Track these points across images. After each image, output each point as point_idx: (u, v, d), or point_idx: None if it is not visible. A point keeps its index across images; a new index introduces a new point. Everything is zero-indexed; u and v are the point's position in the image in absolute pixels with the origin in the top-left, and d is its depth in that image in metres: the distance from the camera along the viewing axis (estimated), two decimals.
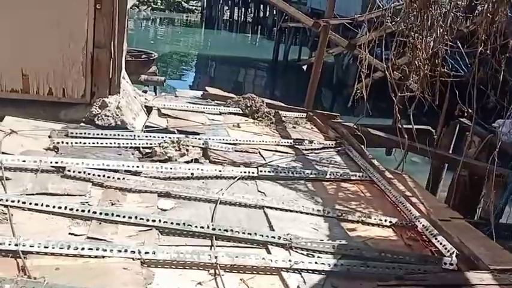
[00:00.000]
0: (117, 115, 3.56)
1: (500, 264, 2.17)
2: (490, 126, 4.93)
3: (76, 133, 3.29)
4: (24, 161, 2.71)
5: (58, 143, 3.10)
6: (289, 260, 2.06)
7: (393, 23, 4.05)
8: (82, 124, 3.52)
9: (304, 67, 15.75)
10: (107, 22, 3.50)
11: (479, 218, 4.21)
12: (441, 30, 3.71)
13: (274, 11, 24.45)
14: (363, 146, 3.84)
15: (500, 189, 3.57)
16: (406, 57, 4.09)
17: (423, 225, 2.55)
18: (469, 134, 4.74)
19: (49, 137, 3.22)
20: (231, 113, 4.34)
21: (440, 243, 2.36)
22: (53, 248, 1.95)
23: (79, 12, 3.45)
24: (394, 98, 3.83)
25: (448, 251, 2.28)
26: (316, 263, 2.07)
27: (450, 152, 5.21)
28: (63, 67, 3.52)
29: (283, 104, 5.13)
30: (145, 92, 5.22)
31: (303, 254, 2.18)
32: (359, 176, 3.28)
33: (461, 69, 3.69)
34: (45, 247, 1.95)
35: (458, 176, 4.29)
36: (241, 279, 1.95)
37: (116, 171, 2.79)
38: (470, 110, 3.40)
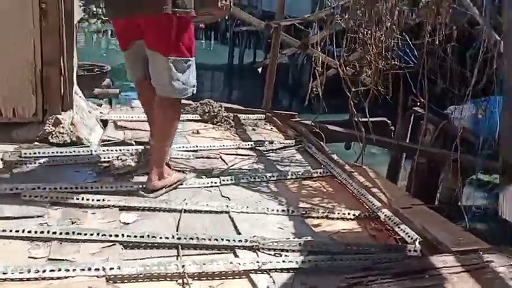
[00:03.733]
0: (72, 131, 3.47)
1: (462, 245, 2.24)
2: (444, 113, 5.09)
3: (30, 153, 3.18)
4: None
5: (11, 165, 2.99)
6: (257, 262, 2.06)
7: (342, 20, 4.14)
8: (36, 143, 3.41)
9: (259, 69, 15.82)
10: (54, 38, 3.40)
11: (439, 203, 4.34)
12: (389, 24, 3.82)
13: (227, 16, 24.49)
14: (322, 143, 3.89)
15: (457, 173, 3.69)
16: (357, 53, 4.18)
17: (385, 215, 2.61)
18: (423, 123, 4.88)
19: (1, 159, 3.10)
20: (189, 120, 4.31)
21: (404, 231, 2.41)
22: (13, 273, 1.87)
23: (23, 30, 3.34)
24: (348, 94, 3.91)
25: (411, 238, 2.34)
26: (284, 261, 2.08)
27: (407, 141, 5.35)
28: (11, 86, 3.41)
29: (241, 107, 5.13)
30: (100, 105, 5.13)
31: (270, 254, 2.19)
32: (320, 173, 3.31)
33: (411, 61, 3.79)
34: (3, 273, 1.87)
35: (416, 164, 4.41)
36: (210, 286, 1.94)
37: (74, 188, 2.72)
38: (422, 100, 3.49)
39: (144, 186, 2.78)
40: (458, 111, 4.74)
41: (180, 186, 2.91)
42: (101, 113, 4.31)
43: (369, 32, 3.85)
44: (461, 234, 2.42)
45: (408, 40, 3.81)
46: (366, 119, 3.94)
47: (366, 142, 3.99)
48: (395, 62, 3.74)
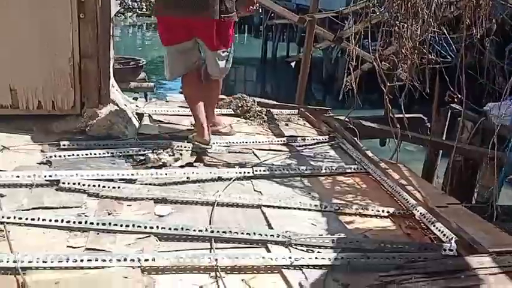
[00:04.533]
0: (109, 125, 3.54)
1: (499, 246, 2.18)
2: (482, 110, 4.96)
3: (68, 145, 3.27)
4: (18, 176, 2.70)
5: (51, 156, 3.09)
6: (290, 257, 2.06)
7: (378, 13, 4.07)
8: (74, 136, 3.50)
9: (293, 64, 15.72)
10: (92, 31, 3.48)
11: (476, 202, 4.23)
12: (426, 17, 3.73)
13: (260, 9, 24.42)
14: (356, 139, 3.85)
15: (493, 172, 3.58)
16: (393, 47, 4.10)
17: (421, 213, 2.56)
18: (460, 119, 4.77)
19: (41, 151, 3.20)
20: (222, 115, 4.33)
21: (439, 230, 2.37)
22: (52, 262, 1.94)
23: (63, 22, 3.42)
24: (383, 89, 3.84)
25: (447, 237, 2.29)
26: (316, 258, 2.07)
27: (444, 138, 5.23)
28: (51, 80, 3.50)
29: (274, 102, 5.12)
30: (135, 99, 5.21)
31: (302, 250, 2.18)
32: (354, 169, 3.28)
33: (449, 55, 3.70)
34: (43, 261, 1.93)
35: (453, 162, 4.31)
36: (242, 280, 1.95)
37: (110, 180, 2.78)
38: (460, 96, 3.41)
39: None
40: (496, 108, 4.62)
41: (213, 178, 2.94)
42: (136, 106, 4.38)
43: (405, 25, 3.78)
44: (498, 234, 2.36)
45: (446, 34, 3.71)
46: (401, 115, 3.87)
47: (401, 139, 3.93)
48: (432, 57, 3.65)
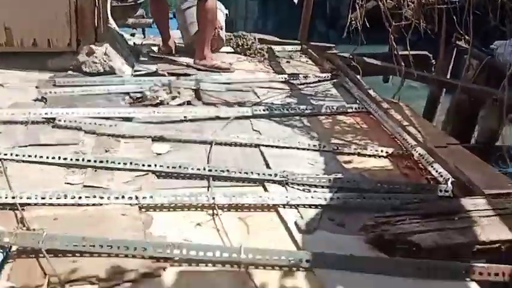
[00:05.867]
0: (105, 61, 3.48)
1: (495, 188, 2.18)
2: (488, 49, 4.84)
3: (64, 82, 3.22)
4: (13, 114, 2.68)
5: (46, 93, 3.05)
6: (286, 196, 2.07)
7: None
8: (70, 72, 3.45)
9: (296, 0, 15.19)
10: None
11: (476, 142, 4.21)
12: None
13: None
14: (359, 77, 3.78)
15: (497, 112, 3.53)
16: None
17: (419, 154, 2.55)
18: (466, 57, 4.65)
19: (36, 87, 3.16)
20: (222, 52, 4.24)
21: (436, 171, 2.36)
22: (50, 198, 1.95)
23: None
24: (389, 28, 3.72)
25: (444, 178, 2.29)
26: (312, 197, 2.08)
27: (448, 76, 5.14)
28: (46, 18, 3.41)
29: (276, 38, 5.00)
30: (133, 34, 5.11)
31: (299, 189, 2.19)
32: (355, 108, 3.24)
33: None
34: (42, 198, 1.95)
35: (456, 100, 4.25)
36: (239, 218, 1.97)
37: (107, 118, 2.76)
38: (467, 37, 3.30)
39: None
40: (503, 46, 4.50)
41: (211, 117, 2.91)
42: (134, 43, 4.29)
43: None
44: (495, 176, 2.35)
45: None
46: (406, 52, 3.77)
47: (404, 76, 3.85)
48: None
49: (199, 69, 3.74)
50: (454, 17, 3.51)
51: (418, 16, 3.73)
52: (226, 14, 4.33)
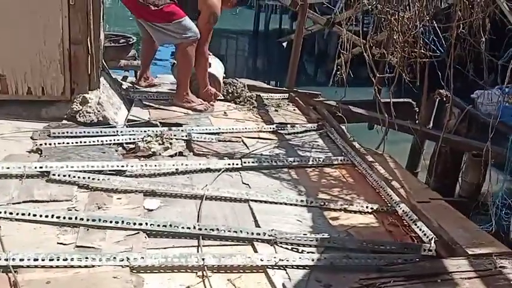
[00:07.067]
0: (99, 111, 3.55)
1: (477, 246, 2.27)
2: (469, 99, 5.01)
3: (58, 133, 3.28)
4: (8, 167, 2.72)
5: (41, 144, 3.10)
6: (274, 257, 2.13)
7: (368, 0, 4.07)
8: (64, 122, 3.51)
9: (285, 44, 15.54)
10: (82, 17, 3.44)
11: (459, 196, 4.32)
12: (417, 7, 3.73)
13: None
14: (343, 127, 3.90)
15: (480, 167, 3.64)
16: (384, 33, 4.10)
17: (403, 211, 2.64)
18: (448, 106, 4.81)
19: (31, 138, 3.22)
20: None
21: (420, 229, 2.45)
22: (43, 260, 1.98)
23: (52, 9, 3.39)
24: (373, 79, 3.88)
25: (427, 237, 2.37)
26: (300, 258, 2.14)
27: (431, 123, 5.29)
28: (40, 65, 3.49)
29: (264, 85, 5.15)
30: (125, 77, 5.19)
31: (287, 248, 2.25)
32: (341, 160, 3.34)
33: (438, 49, 3.72)
34: (35, 260, 1.98)
35: (439, 150, 4.38)
36: (228, 280, 2.02)
37: (100, 171, 2.81)
38: (447, 93, 3.44)
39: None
40: (483, 96, 4.67)
41: (202, 169, 2.99)
42: (127, 88, 4.39)
43: (395, 14, 3.78)
44: (477, 233, 2.45)
45: (436, 27, 3.73)
46: (389, 100, 3.91)
47: (388, 127, 3.99)
48: (422, 50, 3.67)
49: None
50: (438, 72, 3.66)
51: (402, 67, 3.88)
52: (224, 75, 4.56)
